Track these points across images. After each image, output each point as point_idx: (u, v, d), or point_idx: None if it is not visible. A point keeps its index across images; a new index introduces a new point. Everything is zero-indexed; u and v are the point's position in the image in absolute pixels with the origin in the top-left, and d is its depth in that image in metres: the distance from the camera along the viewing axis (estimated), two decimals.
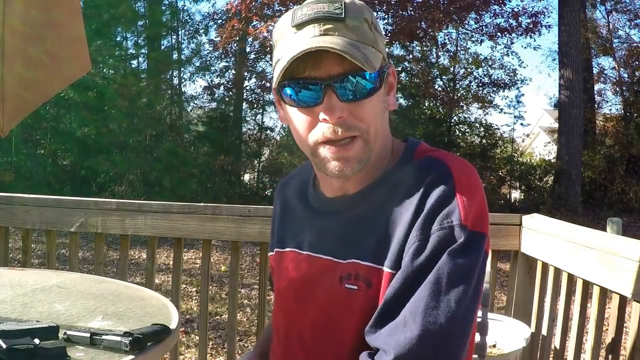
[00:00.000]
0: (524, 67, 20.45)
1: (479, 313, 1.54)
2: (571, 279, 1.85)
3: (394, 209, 0.90)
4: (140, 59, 14.16)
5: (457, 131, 14.03)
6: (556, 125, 13.20)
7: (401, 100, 13.79)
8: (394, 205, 0.90)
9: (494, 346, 1.91)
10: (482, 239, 0.85)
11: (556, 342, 1.94)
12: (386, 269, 0.88)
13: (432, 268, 0.82)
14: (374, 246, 0.90)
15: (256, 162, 13.60)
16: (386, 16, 12.55)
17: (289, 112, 0.94)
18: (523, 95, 32.45)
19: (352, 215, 0.97)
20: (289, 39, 0.89)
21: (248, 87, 14.21)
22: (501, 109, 14.10)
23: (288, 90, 0.90)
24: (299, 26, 0.88)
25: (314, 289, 0.98)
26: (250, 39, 12.96)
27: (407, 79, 13.65)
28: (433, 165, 0.90)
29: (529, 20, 12.25)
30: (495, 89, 13.61)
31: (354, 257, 0.92)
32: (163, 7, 14.24)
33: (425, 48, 13.57)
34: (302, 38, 0.87)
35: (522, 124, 15.58)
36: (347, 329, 0.92)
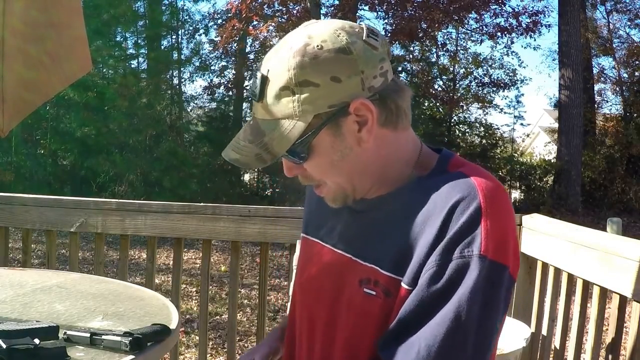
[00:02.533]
0: (524, 67, 20.48)
1: None
2: (571, 279, 1.85)
3: (418, 221, 0.88)
4: (140, 59, 14.16)
5: (457, 131, 14.04)
6: (556, 125, 13.21)
7: None
8: (420, 217, 0.88)
9: None
10: (502, 270, 0.82)
11: (556, 342, 1.94)
12: (404, 285, 0.86)
13: (448, 297, 0.80)
14: (396, 256, 0.89)
15: None
16: (386, 16, 12.56)
17: None
18: (523, 95, 32.45)
19: (370, 218, 0.96)
20: None
21: (248, 87, 14.19)
22: (501, 109, 14.12)
23: None
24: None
25: (333, 285, 0.98)
26: (250, 39, 12.97)
27: (407, 79, 13.65)
28: (463, 185, 0.86)
29: (529, 20, 12.28)
30: (495, 89, 13.63)
31: (374, 262, 0.92)
32: (163, 7, 14.25)
33: (425, 48, 13.58)
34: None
35: (522, 124, 15.62)
36: (361, 334, 0.92)
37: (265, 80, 0.88)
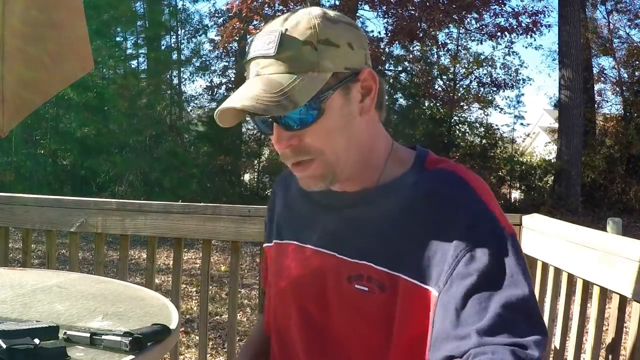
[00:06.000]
0: (525, 67, 20.53)
1: None
2: (571, 279, 1.85)
3: (411, 219, 0.90)
4: (140, 59, 14.18)
5: (457, 131, 14.04)
6: (556, 125, 13.21)
7: (401, 100, 13.78)
8: (412, 216, 0.90)
9: None
10: (515, 237, 0.89)
11: (556, 342, 1.94)
12: (432, 290, 0.85)
13: (497, 271, 0.82)
14: (392, 252, 0.90)
15: (256, 162, 13.61)
16: (386, 16, 12.56)
17: None
18: (523, 95, 32.46)
19: (355, 214, 0.96)
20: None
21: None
22: (501, 109, 14.13)
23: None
24: (247, 63, 0.94)
25: (318, 285, 0.97)
26: (250, 39, 12.96)
27: (407, 79, 13.65)
28: (453, 179, 0.92)
29: (528, 20, 12.27)
30: (495, 89, 13.63)
31: (364, 259, 0.92)
32: (162, 7, 14.25)
33: (425, 48, 13.58)
34: (246, 81, 0.93)
35: (522, 123, 15.64)
36: (355, 332, 0.92)
37: (284, 36, 0.89)
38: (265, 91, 0.86)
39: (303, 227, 1.04)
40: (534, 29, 12.22)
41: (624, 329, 1.63)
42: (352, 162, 0.94)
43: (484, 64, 13.66)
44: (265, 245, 1.17)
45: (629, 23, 14.54)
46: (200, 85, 23.25)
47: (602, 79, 14.84)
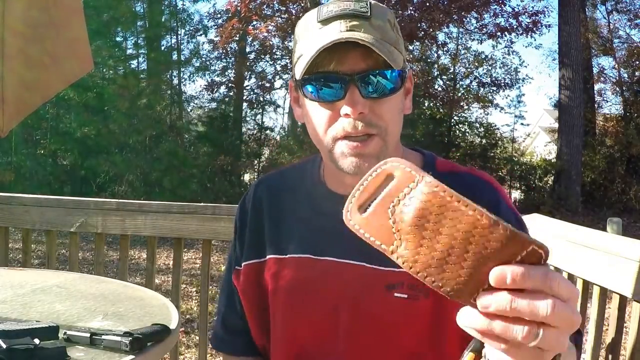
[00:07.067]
0: (525, 67, 20.53)
1: None
2: (571, 279, 1.85)
3: None
4: (140, 59, 14.18)
5: (457, 131, 14.02)
6: (556, 125, 13.20)
7: None
8: None
9: None
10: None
11: None
12: None
13: None
14: None
15: (256, 162, 13.60)
16: None
17: (309, 108, 0.93)
18: (524, 95, 32.45)
19: None
20: (314, 34, 0.89)
21: (248, 87, 14.22)
22: (501, 109, 14.12)
23: (309, 87, 0.90)
24: (325, 22, 0.89)
25: (350, 297, 0.94)
26: (250, 39, 12.96)
27: None
28: (477, 181, 0.98)
29: (528, 20, 12.27)
30: (495, 88, 13.62)
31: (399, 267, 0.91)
32: (162, 7, 14.25)
33: (425, 47, 13.57)
34: (329, 32, 0.87)
35: (522, 123, 15.59)
36: (402, 343, 0.91)
37: (374, 6, 0.89)
38: (377, 40, 0.85)
39: (317, 240, 1.00)
40: (534, 29, 12.22)
41: (624, 329, 1.63)
42: (391, 152, 0.92)
43: (484, 63, 13.66)
44: (235, 267, 1.09)
45: (629, 23, 14.54)
46: (200, 85, 23.29)
47: (602, 79, 14.85)
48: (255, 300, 1.08)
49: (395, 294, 0.91)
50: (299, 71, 0.90)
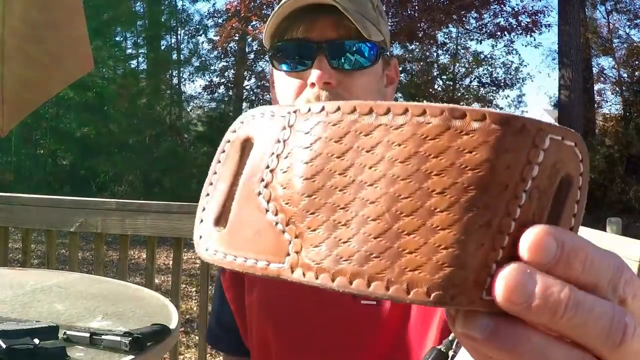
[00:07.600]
0: (525, 66, 20.56)
1: None
2: None
3: None
4: (140, 59, 14.19)
5: None
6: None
7: (401, 100, 13.74)
8: None
9: None
10: None
11: None
12: None
13: None
14: None
15: None
16: (386, 16, 12.57)
17: (277, 80, 0.88)
18: (524, 95, 32.47)
19: None
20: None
21: (248, 87, 14.23)
22: (501, 109, 14.10)
23: (277, 56, 0.85)
24: None
25: (324, 311, 0.90)
26: (249, 39, 12.97)
27: (407, 78, 13.65)
28: None
29: (528, 20, 12.28)
30: (495, 88, 13.63)
31: None
32: (162, 7, 14.26)
33: (425, 47, 13.58)
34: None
35: None
36: (375, 350, 0.88)
37: None
38: (353, 10, 0.79)
39: None
40: (534, 28, 12.24)
41: None
42: None
43: (484, 63, 13.67)
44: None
45: (628, 23, 14.55)
46: (200, 85, 23.31)
47: (602, 79, 14.86)
48: (238, 300, 1.04)
49: (362, 302, 0.86)
50: (267, 34, 0.85)
